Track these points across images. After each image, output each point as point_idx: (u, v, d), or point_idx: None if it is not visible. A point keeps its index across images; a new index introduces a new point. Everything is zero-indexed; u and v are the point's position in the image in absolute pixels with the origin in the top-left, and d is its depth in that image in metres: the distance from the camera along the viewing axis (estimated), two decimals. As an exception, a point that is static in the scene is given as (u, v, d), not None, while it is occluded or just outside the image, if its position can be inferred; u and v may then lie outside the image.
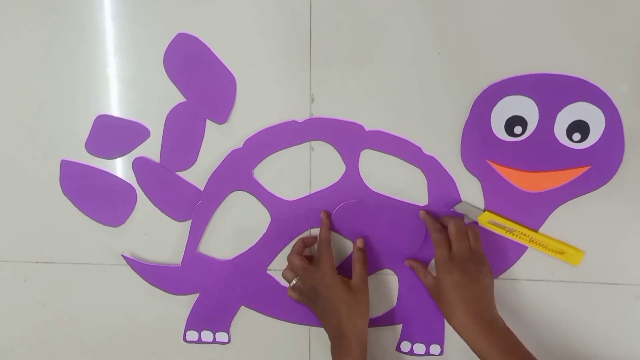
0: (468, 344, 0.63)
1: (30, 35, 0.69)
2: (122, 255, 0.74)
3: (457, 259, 0.64)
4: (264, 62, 0.68)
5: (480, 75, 0.66)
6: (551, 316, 0.72)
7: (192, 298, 0.75)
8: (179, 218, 0.73)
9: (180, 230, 0.73)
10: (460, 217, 0.68)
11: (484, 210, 0.69)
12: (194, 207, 0.72)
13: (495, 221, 0.69)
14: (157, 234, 0.74)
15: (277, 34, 0.67)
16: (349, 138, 0.68)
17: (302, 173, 0.70)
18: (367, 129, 0.68)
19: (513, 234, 0.69)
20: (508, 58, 0.65)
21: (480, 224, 0.69)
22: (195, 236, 0.73)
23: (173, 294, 0.75)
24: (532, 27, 0.64)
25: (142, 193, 0.73)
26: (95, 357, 0.80)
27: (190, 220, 0.72)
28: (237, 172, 0.70)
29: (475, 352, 0.63)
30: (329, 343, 0.69)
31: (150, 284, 0.75)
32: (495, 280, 0.69)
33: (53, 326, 0.79)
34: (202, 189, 0.71)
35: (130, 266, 0.74)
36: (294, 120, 0.68)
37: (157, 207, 0.73)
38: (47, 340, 0.80)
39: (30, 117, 0.71)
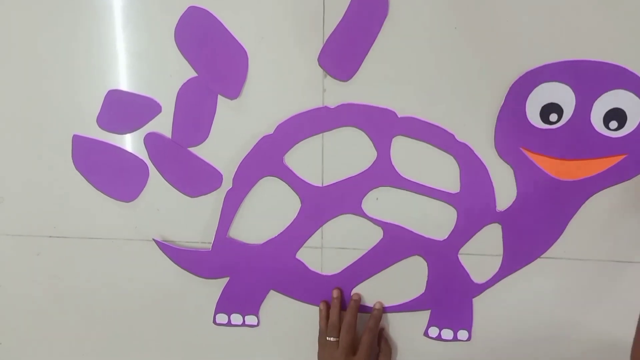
0: None
1: (40, 9, 0.68)
2: (153, 240, 0.75)
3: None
4: (277, 36, 0.66)
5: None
6: (566, 293, 0.73)
7: (222, 282, 0.76)
8: (191, 194, 0.73)
9: (192, 205, 0.73)
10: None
11: None
12: (207, 184, 0.72)
13: None
14: (169, 209, 0.74)
15: (290, 7, 0.65)
16: (380, 124, 0.68)
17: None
18: (399, 115, 0.67)
19: None
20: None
21: None
22: (225, 221, 0.73)
23: (204, 277, 0.76)
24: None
25: (154, 168, 0.73)
26: (109, 333, 0.81)
27: (203, 196, 0.73)
28: (268, 158, 0.70)
29: None
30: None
31: (181, 267, 0.75)
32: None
33: (66, 300, 0.80)
34: (213, 164, 0.71)
35: (161, 249, 0.75)
36: (325, 106, 0.67)
37: (168, 182, 0.73)
38: (60, 314, 0.81)
39: (41, 92, 0.71)
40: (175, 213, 0.74)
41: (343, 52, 0.66)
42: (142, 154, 0.72)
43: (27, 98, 0.72)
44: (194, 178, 0.72)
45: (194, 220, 0.74)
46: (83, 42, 0.69)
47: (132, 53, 0.68)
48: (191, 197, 0.73)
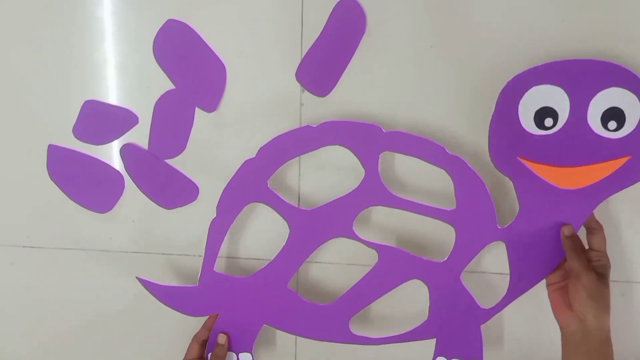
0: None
1: (18, 18, 0.69)
2: (137, 278, 0.71)
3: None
4: (255, 50, 0.67)
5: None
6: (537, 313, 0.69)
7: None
8: (167, 205, 0.72)
9: (167, 217, 0.72)
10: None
11: None
12: (184, 196, 0.71)
13: None
14: (144, 220, 0.73)
15: (269, 22, 0.66)
16: (366, 141, 0.65)
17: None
18: (384, 130, 0.64)
19: None
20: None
21: None
22: (211, 254, 0.69)
23: (191, 315, 0.72)
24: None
25: (130, 180, 0.72)
26: (83, 345, 0.79)
27: (179, 208, 0.72)
28: (251, 183, 0.67)
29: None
30: (316, 349, 0.72)
31: (167, 305, 0.72)
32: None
33: (40, 310, 0.79)
34: (190, 177, 0.71)
35: (145, 287, 0.71)
36: (307, 125, 0.65)
37: (144, 194, 0.72)
38: (34, 324, 0.79)
39: (17, 102, 0.71)
40: (150, 224, 0.73)
41: (321, 68, 0.66)
42: (118, 165, 0.72)
43: (2, 107, 0.72)
44: (170, 190, 0.72)
45: (169, 231, 0.73)
46: (60, 52, 0.69)
47: (110, 64, 0.69)
48: (167, 208, 0.72)
